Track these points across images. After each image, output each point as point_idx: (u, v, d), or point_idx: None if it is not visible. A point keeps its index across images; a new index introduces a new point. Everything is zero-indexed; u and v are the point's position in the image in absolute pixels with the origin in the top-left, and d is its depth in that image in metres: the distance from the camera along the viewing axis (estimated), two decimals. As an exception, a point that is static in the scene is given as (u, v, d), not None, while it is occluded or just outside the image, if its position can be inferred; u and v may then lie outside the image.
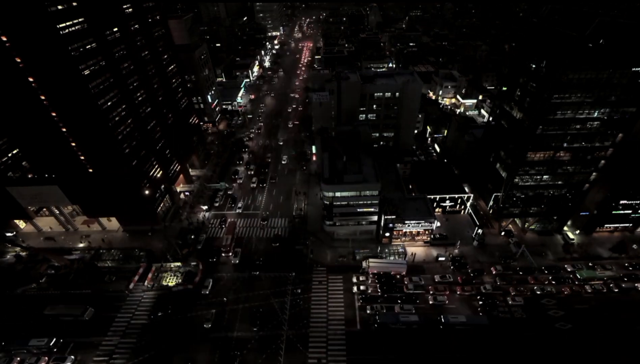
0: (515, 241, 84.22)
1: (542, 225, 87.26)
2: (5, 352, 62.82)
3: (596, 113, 68.59)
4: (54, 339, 63.53)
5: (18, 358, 61.74)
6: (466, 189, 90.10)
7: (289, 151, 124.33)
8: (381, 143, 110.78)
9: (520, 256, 79.13)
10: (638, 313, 67.73)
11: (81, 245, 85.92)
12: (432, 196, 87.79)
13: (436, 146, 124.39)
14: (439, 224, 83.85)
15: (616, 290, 72.19)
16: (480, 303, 69.97)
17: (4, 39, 57.71)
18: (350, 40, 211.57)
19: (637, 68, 62.35)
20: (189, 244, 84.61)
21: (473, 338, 64.05)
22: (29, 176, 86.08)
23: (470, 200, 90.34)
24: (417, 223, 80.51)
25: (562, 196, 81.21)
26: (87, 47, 64.51)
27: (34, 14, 55.86)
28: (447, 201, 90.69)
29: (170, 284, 74.93)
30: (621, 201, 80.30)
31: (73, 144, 71.37)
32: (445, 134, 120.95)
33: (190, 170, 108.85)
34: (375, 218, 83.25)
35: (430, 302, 70.19)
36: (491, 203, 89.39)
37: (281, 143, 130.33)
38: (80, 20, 62.61)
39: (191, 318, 68.19)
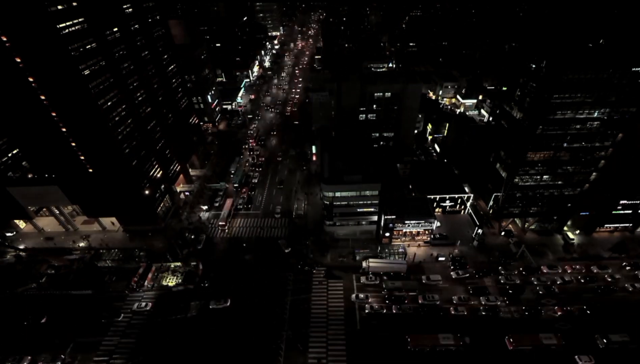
0: (515, 241, 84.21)
1: (542, 225, 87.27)
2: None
3: (596, 113, 68.59)
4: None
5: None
6: (466, 189, 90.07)
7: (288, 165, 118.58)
8: (381, 143, 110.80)
9: (520, 256, 79.17)
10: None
11: (81, 245, 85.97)
12: (432, 196, 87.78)
13: (436, 146, 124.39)
14: (439, 224, 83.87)
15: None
16: None
17: (4, 39, 57.71)
18: (350, 40, 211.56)
19: (637, 68, 62.36)
20: (189, 244, 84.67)
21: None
22: (29, 176, 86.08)
23: (470, 200, 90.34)
24: (417, 223, 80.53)
25: (562, 196, 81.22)
26: (87, 47, 64.53)
27: (34, 14, 55.84)
28: (447, 201, 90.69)
29: (170, 284, 74.94)
30: (621, 201, 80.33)
31: (73, 144, 71.32)
32: (445, 134, 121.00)
33: (190, 170, 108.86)
34: (375, 218, 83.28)
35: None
36: (491, 203, 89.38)
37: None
38: (80, 20, 62.63)
39: (191, 318, 68.34)
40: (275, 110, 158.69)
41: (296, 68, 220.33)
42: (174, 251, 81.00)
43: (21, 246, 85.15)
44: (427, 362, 60.61)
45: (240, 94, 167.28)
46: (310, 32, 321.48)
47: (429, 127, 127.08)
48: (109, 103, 70.16)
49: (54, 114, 66.93)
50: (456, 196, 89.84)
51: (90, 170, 75.27)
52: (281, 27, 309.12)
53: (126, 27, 77.84)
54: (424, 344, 62.26)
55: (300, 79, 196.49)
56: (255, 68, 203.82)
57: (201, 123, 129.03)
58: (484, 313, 68.09)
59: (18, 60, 59.91)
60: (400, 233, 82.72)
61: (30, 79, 62.37)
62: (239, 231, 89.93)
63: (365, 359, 61.11)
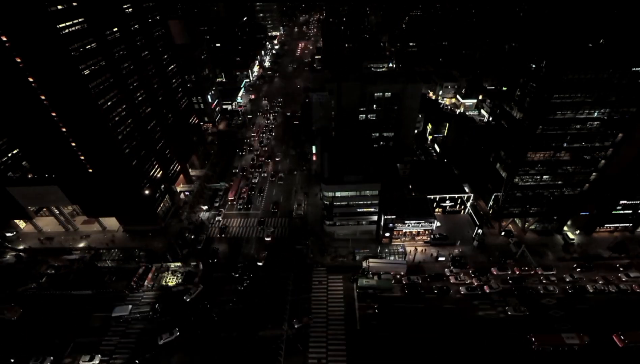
0: (515, 241, 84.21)
1: (542, 225, 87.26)
2: None
3: (596, 113, 68.58)
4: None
5: None
6: (466, 189, 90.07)
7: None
8: (381, 143, 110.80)
9: (520, 256, 79.16)
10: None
11: (81, 245, 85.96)
12: (432, 196, 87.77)
13: (436, 146, 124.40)
14: (439, 224, 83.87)
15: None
16: None
17: (4, 39, 57.74)
18: (350, 40, 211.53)
19: (637, 68, 62.36)
20: (189, 244, 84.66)
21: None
22: (29, 176, 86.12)
23: (470, 200, 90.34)
24: (417, 223, 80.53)
25: (562, 196, 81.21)
26: (87, 47, 64.56)
27: (34, 14, 55.85)
28: (447, 201, 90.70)
29: (170, 284, 74.96)
30: (621, 201, 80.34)
31: (73, 144, 71.35)
32: (445, 134, 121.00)
33: (190, 170, 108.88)
34: (375, 218, 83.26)
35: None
36: (491, 203, 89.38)
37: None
38: (80, 20, 62.66)
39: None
40: (274, 111, 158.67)
41: (296, 67, 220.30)
42: (174, 251, 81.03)
43: (21, 247, 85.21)
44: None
45: (240, 94, 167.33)
46: (310, 32, 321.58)
47: (429, 127, 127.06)
48: (109, 104, 70.16)
49: (54, 114, 66.94)
50: (456, 196, 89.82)
51: (90, 170, 75.28)
52: (281, 27, 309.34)
53: (126, 27, 77.86)
54: (548, 344, 61.26)
55: (300, 79, 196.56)
56: (255, 68, 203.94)
57: (201, 123, 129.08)
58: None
59: (18, 60, 59.92)
60: (400, 233, 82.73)
61: (30, 79, 62.37)
62: (239, 232, 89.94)
63: (365, 359, 61.03)
